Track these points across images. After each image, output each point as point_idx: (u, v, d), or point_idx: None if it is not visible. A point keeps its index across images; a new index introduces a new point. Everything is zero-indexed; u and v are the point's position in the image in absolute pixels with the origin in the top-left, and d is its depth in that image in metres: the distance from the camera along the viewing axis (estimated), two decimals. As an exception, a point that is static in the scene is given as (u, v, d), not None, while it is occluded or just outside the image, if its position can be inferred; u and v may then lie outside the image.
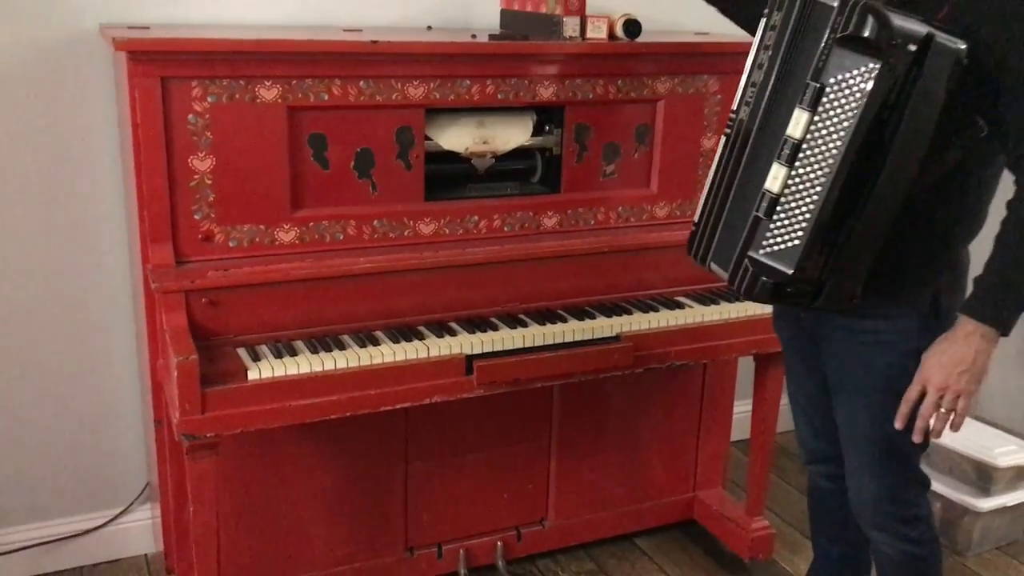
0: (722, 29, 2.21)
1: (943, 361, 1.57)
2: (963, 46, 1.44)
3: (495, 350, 2.02)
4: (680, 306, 2.27)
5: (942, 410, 1.59)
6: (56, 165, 2.24)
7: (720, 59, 2.33)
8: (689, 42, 2.35)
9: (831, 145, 1.48)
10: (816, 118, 1.48)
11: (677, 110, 2.33)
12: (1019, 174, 1.52)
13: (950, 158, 1.54)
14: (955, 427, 1.60)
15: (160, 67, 1.85)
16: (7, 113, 2.17)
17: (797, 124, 1.50)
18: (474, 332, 2.05)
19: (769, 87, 1.59)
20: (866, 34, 1.42)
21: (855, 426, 1.76)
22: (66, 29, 2.17)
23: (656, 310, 2.23)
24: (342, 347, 1.94)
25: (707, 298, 2.32)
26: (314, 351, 1.92)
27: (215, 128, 1.91)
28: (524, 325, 2.11)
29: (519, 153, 2.25)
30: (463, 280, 2.13)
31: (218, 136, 1.92)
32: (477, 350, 2.01)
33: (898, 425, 1.65)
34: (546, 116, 2.26)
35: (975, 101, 1.50)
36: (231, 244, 1.98)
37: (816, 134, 1.49)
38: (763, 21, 1.62)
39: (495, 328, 2.08)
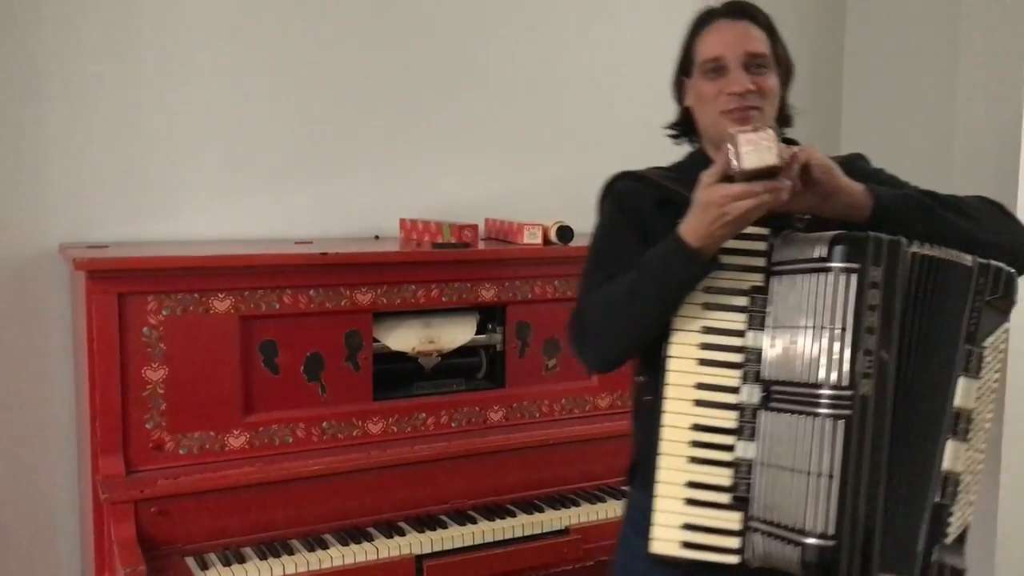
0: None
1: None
2: None
3: (444, 549, 2.04)
4: (626, 496, 2.31)
5: None
6: (8, 377, 2.28)
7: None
8: (620, 243, 2.52)
9: (988, 410, 1.39)
10: (978, 384, 1.38)
11: (612, 306, 2.47)
12: None
13: None
14: None
15: (117, 284, 1.94)
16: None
17: (968, 393, 1.35)
18: (423, 531, 2.07)
19: (896, 354, 1.34)
20: (1014, 296, 1.39)
21: None
22: (27, 248, 2.27)
23: (603, 500, 2.27)
24: (291, 552, 1.95)
25: (652, 486, 2.37)
26: (263, 557, 1.92)
27: (168, 339, 1.98)
28: (473, 522, 2.13)
29: (464, 351, 2.34)
30: (412, 478, 2.17)
31: (171, 347, 1.98)
32: (427, 549, 2.02)
33: None
34: (489, 315, 2.37)
35: None
36: (181, 451, 2.01)
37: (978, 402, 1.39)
38: (850, 277, 1.30)
39: (444, 526, 2.10)
